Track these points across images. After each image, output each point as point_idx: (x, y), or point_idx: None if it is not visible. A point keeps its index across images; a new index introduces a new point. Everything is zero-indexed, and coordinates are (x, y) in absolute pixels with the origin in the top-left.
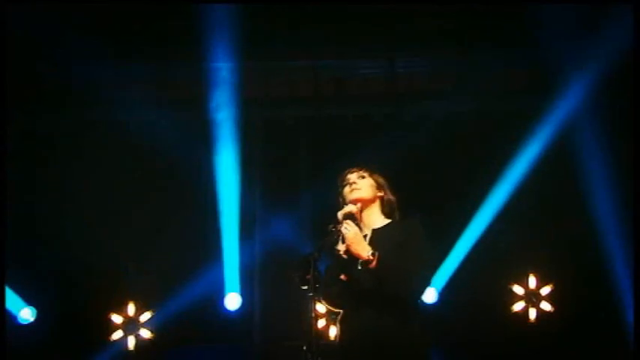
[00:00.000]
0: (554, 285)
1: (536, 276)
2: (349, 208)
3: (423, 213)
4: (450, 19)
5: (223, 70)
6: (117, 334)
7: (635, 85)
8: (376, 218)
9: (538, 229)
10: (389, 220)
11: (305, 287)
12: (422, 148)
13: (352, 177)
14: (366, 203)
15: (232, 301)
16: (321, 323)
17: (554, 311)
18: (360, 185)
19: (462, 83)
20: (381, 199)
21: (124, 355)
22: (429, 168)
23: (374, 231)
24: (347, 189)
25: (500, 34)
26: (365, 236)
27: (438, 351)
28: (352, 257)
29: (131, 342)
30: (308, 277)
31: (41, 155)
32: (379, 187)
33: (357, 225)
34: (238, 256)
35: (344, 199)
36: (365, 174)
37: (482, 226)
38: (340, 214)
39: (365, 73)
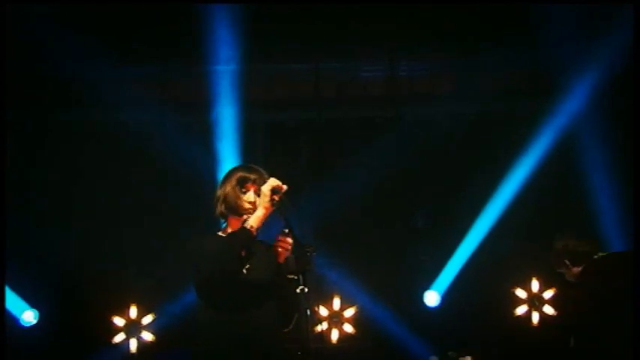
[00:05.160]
0: (557, 289)
1: (538, 279)
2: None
3: (425, 216)
4: (451, 22)
5: (225, 73)
6: (119, 337)
7: (636, 86)
8: None
9: (541, 232)
10: None
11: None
12: (423, 151)
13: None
14: None
15: None
16: (321, 327)
17: (557, 315)
18: None
19: (463, 86)
20: None
21: (125, 357)
22: (430, 171)
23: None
24: (254, 198)
25: (501, 36)
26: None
27: (441, 354)
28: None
29: (133, 345)
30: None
31: (43, 156)
32: None
33: None
34: None
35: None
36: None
37: (484, 229)
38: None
39: (366, 75)
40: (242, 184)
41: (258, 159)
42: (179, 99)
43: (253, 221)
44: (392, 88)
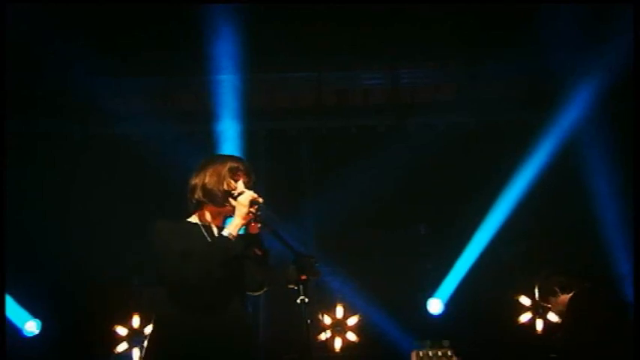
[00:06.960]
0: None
1: None
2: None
3: (428, 224)
4: (452, 31)
5: (226, 82)
6: (122, 347)
7: (636, 88)
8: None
9: (544, 240)
10: None
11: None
12: (425, 159)
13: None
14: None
15: None
16: (325, 335)
17: (562, 322)
18: None
19: (464, 94)
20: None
21: None
22: (431, 179)
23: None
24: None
25: (502, 44)
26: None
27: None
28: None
29: (136, 354)
30: (303, 277)
31: (46, 166)
32: None
33: None
34: None
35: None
36: None
37: (487, 237)
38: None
39: (367, 84)
40: (234, 173)
41: (259, 167)
42: (181, 109)
43: (231, 229)
44: (393, 97)
